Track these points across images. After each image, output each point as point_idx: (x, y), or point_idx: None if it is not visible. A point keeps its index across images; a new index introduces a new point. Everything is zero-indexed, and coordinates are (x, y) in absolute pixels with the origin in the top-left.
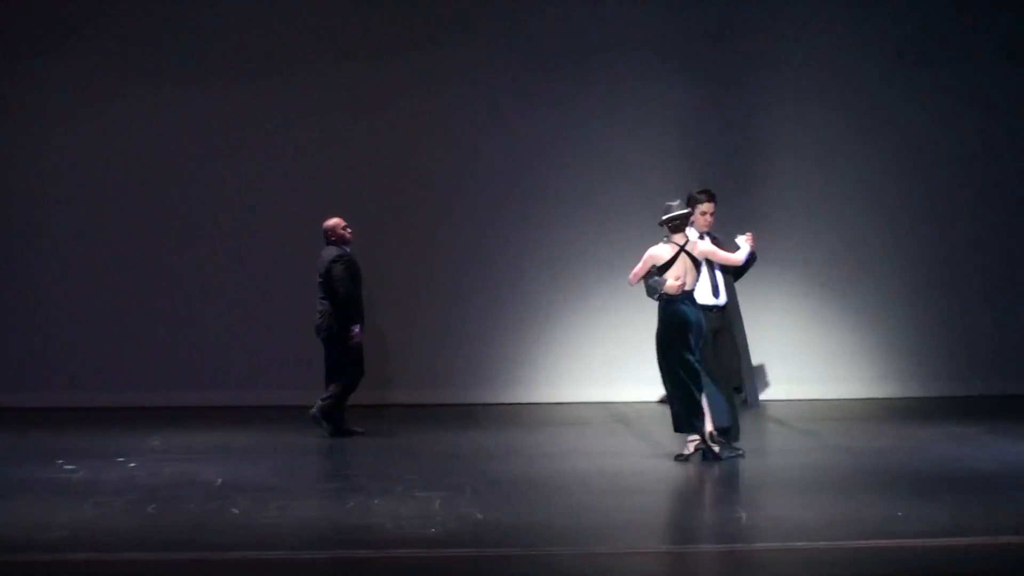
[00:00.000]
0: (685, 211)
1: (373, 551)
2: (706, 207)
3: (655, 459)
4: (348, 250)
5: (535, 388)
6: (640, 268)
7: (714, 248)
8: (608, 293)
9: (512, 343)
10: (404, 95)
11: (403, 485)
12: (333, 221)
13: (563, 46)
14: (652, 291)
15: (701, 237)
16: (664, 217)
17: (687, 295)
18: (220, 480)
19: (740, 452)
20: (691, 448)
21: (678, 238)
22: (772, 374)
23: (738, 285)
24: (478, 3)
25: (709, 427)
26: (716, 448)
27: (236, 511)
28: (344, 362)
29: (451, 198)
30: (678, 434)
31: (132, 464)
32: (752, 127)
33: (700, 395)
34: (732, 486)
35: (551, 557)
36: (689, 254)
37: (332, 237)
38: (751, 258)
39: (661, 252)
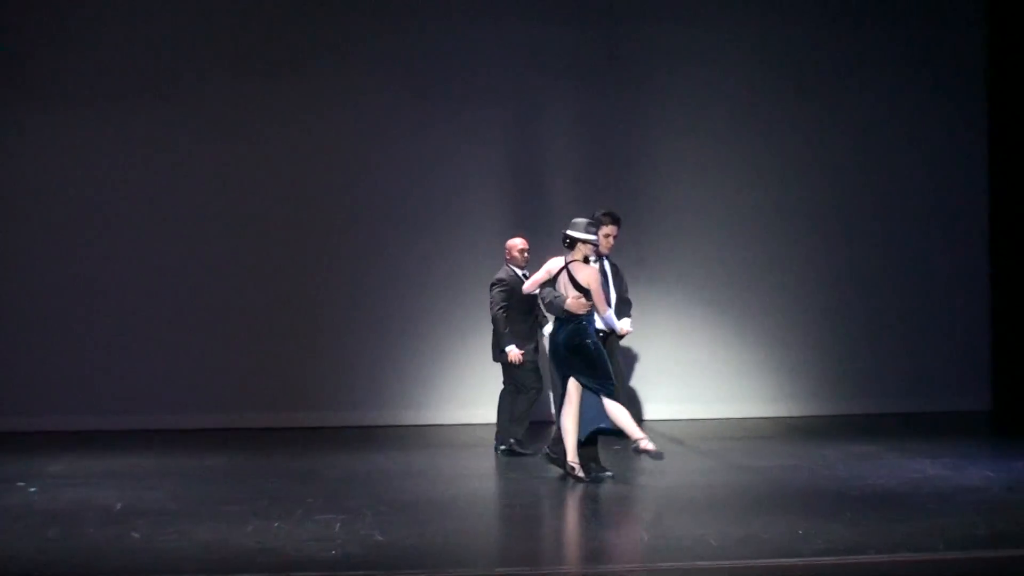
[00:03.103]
0: (577, 234)
1: (274, 575)
2: (608, 229)
3: (554, 481)
4: (520, 273)
5: (433, 409)
6: (540, 276)
7: (592, 278)
8: None
9: (409, 364)
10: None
11: (303, 508)
12: (511, 242)
13: (445, 66)
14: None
15: (599, 259)
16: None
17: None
18: (120, 504)
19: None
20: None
21: (574, 254)
22: (671, 394)
23: (640, 298)
24: (358, 24)
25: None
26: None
27: (136, 535)
28: (520, 382)
29: (340, 217)
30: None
31: (32, 489)
32: (654, 144)
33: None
34: (633, 507)
35: None
36: (571, 274)
37: (507, 257)
38: (609, 325)
39: (553, 264)
